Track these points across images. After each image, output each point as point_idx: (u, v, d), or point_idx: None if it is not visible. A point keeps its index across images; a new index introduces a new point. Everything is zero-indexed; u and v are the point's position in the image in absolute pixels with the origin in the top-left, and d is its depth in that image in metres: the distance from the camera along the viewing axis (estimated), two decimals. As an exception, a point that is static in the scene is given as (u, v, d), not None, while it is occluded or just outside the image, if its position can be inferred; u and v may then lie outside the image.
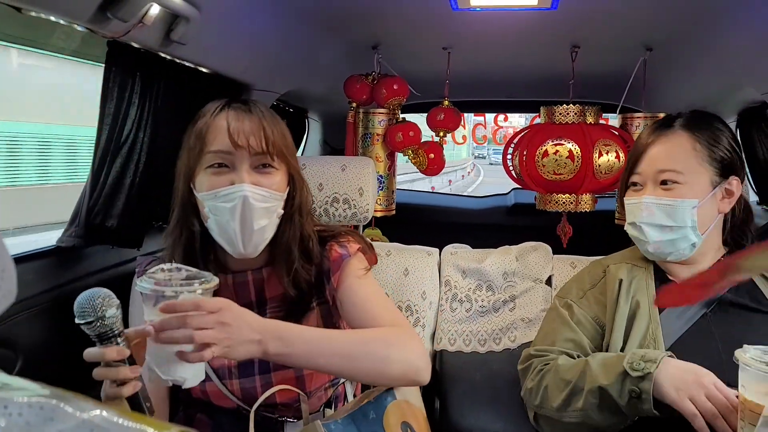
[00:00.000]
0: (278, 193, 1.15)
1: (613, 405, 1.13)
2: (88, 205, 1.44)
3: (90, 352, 0.92)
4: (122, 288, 1.57)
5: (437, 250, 1.84)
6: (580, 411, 1.18)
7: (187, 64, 1.51)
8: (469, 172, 23.16)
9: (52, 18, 1.08)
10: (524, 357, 1.38)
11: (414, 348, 1.13)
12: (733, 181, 1.29)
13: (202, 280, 0.95)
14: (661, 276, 1.35)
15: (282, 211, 1.18)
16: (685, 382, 1.08)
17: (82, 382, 1.47)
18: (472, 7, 1.52)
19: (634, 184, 1.33)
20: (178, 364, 0.93)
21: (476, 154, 33.42)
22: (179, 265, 0.97)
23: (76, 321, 0.90)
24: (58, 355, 1.42)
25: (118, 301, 0.93)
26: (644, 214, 1.28)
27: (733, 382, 1.02)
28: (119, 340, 0.92)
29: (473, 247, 1.86)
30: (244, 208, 1.10)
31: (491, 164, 29.09)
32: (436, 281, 1.77)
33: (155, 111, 1.48)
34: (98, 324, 0.90)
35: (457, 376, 1.65)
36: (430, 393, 1.61)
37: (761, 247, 0.86)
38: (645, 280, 1.34)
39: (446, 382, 1.64)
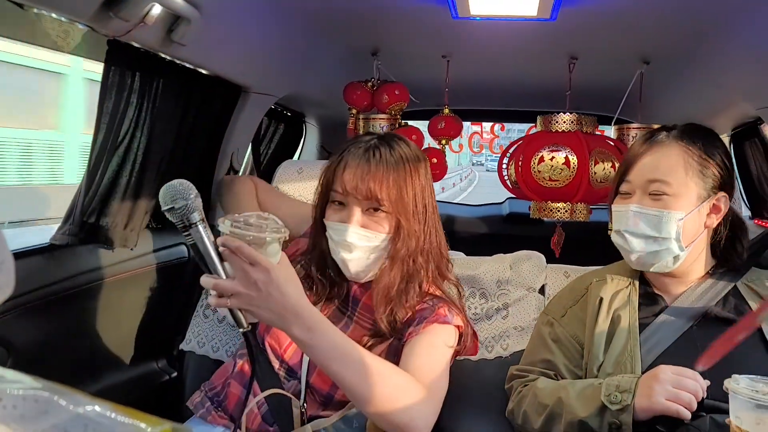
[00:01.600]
0: (381, 234, 1.25)
1: None
2: (82, 203, 1.44)
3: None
4: (117, 288, 1.58)
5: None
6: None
7: (186, 65, 1.51)
8: (460, 180, 23.21)
9: (54, 15, 1.08)
10: (509, 377, 1.40)
11: (426, 415, 1.14)
12: (721, 198, 1.28)
13: (275, 228, 1.00)
14: (646, 290, 1.34)
15: (388, 247, 1.27)
16: (650, 389, 1.10)
17: (74, 379, 1.47)
18: (472, 16, 1.53)
19: (624, 192, 1.33)
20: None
21: (474, 161, 34.53)
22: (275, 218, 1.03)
23: (164, 209, 0.95)
24: (51, 353, 1.42)
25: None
26: (630, 222, 1.28)
27: (717, 396, 1.02)
28: (202, 227, 0.96)
29: (467, 255, 1.87)
30: (346, 245, 1.25)
31: (488, 171, 29.87)
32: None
33: (153, 111, 1.48)
34: (185, 208, 0.94)
35: (450, 383, 1.65)
36: (421, 399, 1.60)
37: None
38: (629, 296, 1.33)
39: (438, 389, 1.64)
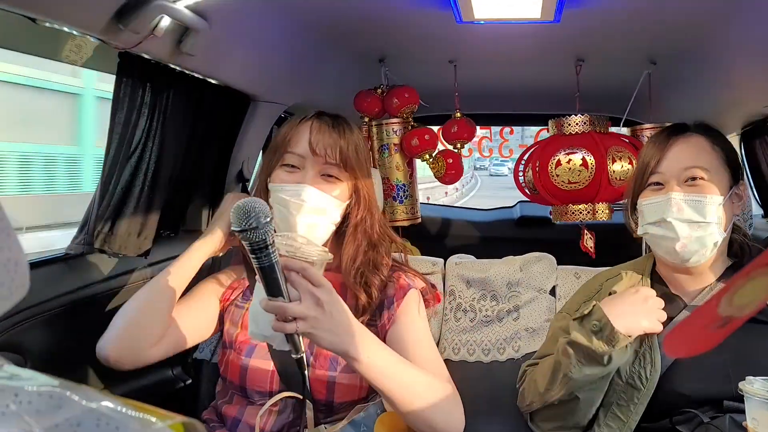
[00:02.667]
0: (336, 200, 1.26)
1: (587, 353, 1.18)
2: (96, 213, 1.46)
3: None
4: (131, 296, 1.60)
5: (442, 260, 1.84)
6: (561, 380, 1.23)
7: (195, 75, 1.54)
8: (463, 186, 23.10)
9: (66, 29, 1.11)
10: (520, 373, 1.44)
11: (458, 418, 1.19)
12: (741, 186, 1.32)
13: (321, 249, 1.02)
14: (663, 290, 1.34)
15: (338, 219, 1.28)
16: (631, 305, 1.20)
17: (89, 386, 1.48)
18: (476, 20, 1.54)
19: (655, 183, 1.32)
20: (268, 324, 0.97)
21: (477, 165, 34.01)
22: (303, 236, 1.05)
23: (234, 229, 0.90)
24: (66, 361, 1.44)
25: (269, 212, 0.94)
26: (674, 209, 1.26)
27: (737, 397, 1.01)
28: (272, 249, 0.91)
29: (479, 259, 1.87)
30: (297, 205, 1.22)
31: (491, 175, 29.74)
32: (440, 291, 1.78)
33: (164, 121, 1.50)
34: (259, 231, 0.89)
35: (461, 386, 1.64)
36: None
37: (742, 276, 0.75)
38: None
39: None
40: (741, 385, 0.96)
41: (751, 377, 0.97)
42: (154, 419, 0.43)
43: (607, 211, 2.06)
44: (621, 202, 2.08)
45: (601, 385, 1.24)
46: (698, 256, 1.27)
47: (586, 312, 1.22)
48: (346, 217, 1.31)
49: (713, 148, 1.30)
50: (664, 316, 1.20)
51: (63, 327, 1.41)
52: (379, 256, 1.32)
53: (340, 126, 1.31)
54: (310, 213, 1.23)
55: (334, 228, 1.29)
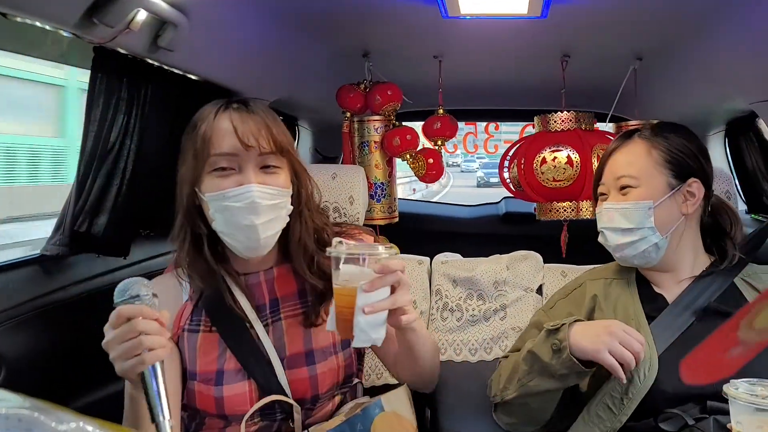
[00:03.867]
0: (285, 190, 1.18)
1: (543, 366, 1.22)
2: (73, 212, 1.42)
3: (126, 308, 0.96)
4: (110, 297, 1.56)
5: (428, 259, 1.83)
6: (516, 383, 1.28)
7: (175, 70, 1.50)
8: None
9: (38, 23, 1.07)
10: (497, 365, 1.47)
11: (438, 364, 1.37)
12: (693, 183, 1.31)
13: (386, 246, 1.07)
14: (647, 290, 1.36)
15: (291, 207, 1.20)
16: (597, 335, 1.17)
17: (67, 391, 1.45)
18: (462, 15, 1.52)
19: (602, 194, 1.38)
20: (380, 326, 1.04)
21: (450, 162, 33.70)
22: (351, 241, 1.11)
23: (116, 302, 0.95)
24: (43, 365, 1.40)
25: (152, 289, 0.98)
26: (605, 219, 1.34)
27: (721, 398, 1.01)
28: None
29: (465, 256, 1.86)
30: (253, 208, 1.12)
31: (462, 171, 30.12)
32: (426, 290, 1.76)
33: (142, 118, 1.46)
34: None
35: (448, 386, 1.64)
36: (420, 403, 1.59)
37: (763, 300, 0.74)
38: (628, 292, 1.36)
39: (437, 392, 1.63)
40: (725, 388, 0.95)
41: (735, 380, 0.97)
42: (127, 443, 0.41)
43: (591, 208, 2.07)
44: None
45: (555, 396, 1.27)
46: (641, 260, 1.32)
47: (555, 327, 1.24)
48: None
49: (649, 152, 1.31)
50: (635, 344, 1.16)
51: (39, 331, 1.38)
52: (324, 235, 1.26)
53: (258, 109, 1.18)
54: (266, 212, 1.14)
55: (287, 219, 1.20)
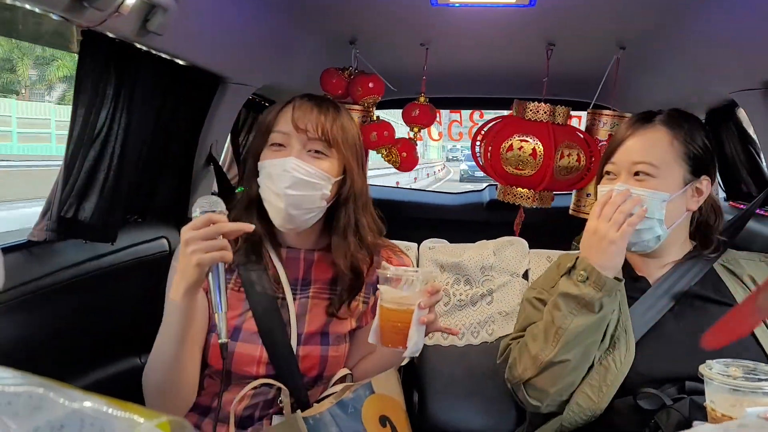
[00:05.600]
0: (325, 174, 1.27)
1: (578, 301, 1.22)
2: (60, 198, 1.41)
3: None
4: (97, 283, 1.55)
5: (416, 245, 1.84)
6: (554, 336, 1.24)
7: (163, 55, 1.49)
8: (438, 170, 23.13)
9: (27, 6, 1.05)
10: (502, 348, 1.41)
11: None
12: (704, 181, 1.32)
13: (414, 270, 1.22)
14: (629, 272, 1.37)
15: (328, 194, 1.28)
16: (599, 242, 1.22)
17: (57, 376, 1.44)
18: (451, 2, 1.52)
19: (608, 173, 1.35)
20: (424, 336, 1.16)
21: (450, 157, 32.95)
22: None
23: (201, 211, 1.10)
24: (33, 351, 1.39)
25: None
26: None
27: (698, 378, 1.03)
28: None
29: (451, 243, 1.87)
30: (286, 177, 1.24)
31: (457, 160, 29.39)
32: None
33: (130, 102, 1.45)
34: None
35: (436, 370, 1.66)
36: (409, 387, 1.62)
37: None
38: None
39: (425, 376, 1.65)
40: (701, 368, 0.98)
41: (710, 361, 1.00)
42: (140, 419, 0.42)
43: (548, 199, 2.12)
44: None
45: (595, 337, 1.24)
46: (640, 246, 1.30)
47: (570, 266, 1.25)
48: (338, 197, 1.33)
49: (672, 143, 1.29)
50: (623, 218, 1.22)
51: (28, 316, 1.36)
52: (367, 236, 1.35)
53: (324, 105, 1.33)
54: (297, 186, 1.24)
55: (325, 204, 1.30)
